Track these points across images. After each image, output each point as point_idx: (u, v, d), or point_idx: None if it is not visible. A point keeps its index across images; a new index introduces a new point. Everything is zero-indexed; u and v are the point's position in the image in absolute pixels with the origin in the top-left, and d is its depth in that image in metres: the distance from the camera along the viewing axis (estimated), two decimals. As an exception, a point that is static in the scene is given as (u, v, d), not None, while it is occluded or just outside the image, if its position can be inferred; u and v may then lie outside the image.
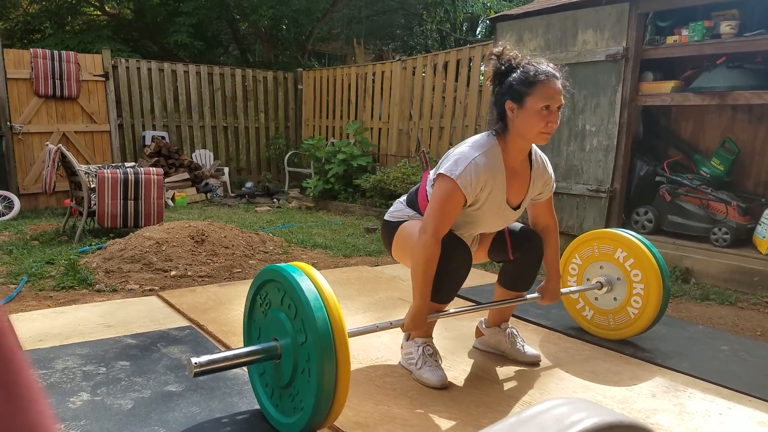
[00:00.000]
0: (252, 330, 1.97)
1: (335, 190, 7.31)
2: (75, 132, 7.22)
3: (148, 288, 3.54)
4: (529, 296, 2.42)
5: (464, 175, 1.98)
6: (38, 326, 2.78)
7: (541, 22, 4.77)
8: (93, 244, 4.65)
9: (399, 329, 2.10)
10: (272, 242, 4.73)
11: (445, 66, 6.95)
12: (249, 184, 8.36)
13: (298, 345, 1.70)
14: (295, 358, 1.71)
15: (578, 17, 4.49)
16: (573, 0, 4.55)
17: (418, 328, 2.10)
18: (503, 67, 2.06)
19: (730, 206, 4.06)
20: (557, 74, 2.01)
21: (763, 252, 3.80)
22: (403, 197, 2.38)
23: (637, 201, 4.56)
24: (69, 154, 4.96)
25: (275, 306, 1.82)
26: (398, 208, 2.33)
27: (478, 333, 2.57)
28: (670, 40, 4.07)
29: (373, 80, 7.96)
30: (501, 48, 2.10)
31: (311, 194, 7.48)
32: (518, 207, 2.19)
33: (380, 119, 7.83)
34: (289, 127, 9.47)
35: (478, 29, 15.09)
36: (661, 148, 4.81)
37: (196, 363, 1.64)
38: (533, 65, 2.02)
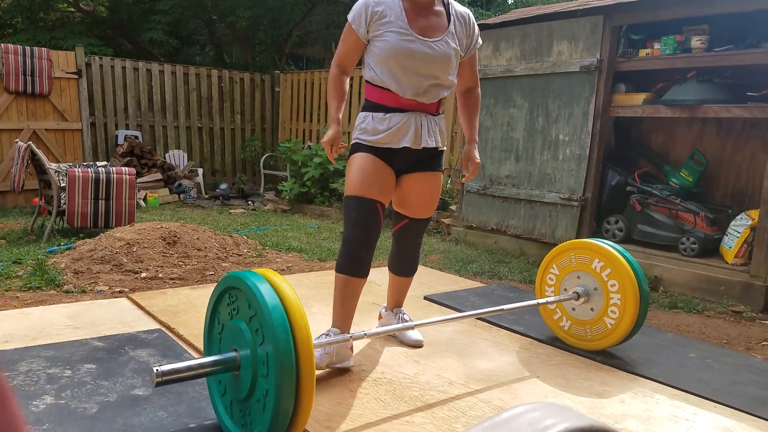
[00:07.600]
0: (213, 338, 1.88)
1: (311, 194, 7.28)
2: (46, 130, 7.06)
3: (118, 290, 3.47)
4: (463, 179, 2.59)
5: (353, 11, 2.28)
6: (3, 327, 2.70)
7: (517, 32, 4.83)
8: (62, 244, 4.54)
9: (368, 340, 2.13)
10: (246, 245, 4.68)
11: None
12: (223, 186, 8.27)
13: (257, 357, 1.63)
14: (254, 370, 1.63)
15: (554, 28, 4.56)
16: (548, 12, 4.62)
17: (333, 137, 2.30)
18: None
19: (698, 217, 4.15)
20: None
21: (729, 262, 3.89)
22: None
23: (608, 210, 4.64)
24: (39, 152, 4.85)
25: (236, 315, 1.74)
26: (358, 121, 2.42)
27: (380, 317, 2.85)
28: (642, 52, 4.16)
29: (351, 85, 7.96)
30: None
31: (287, 197, 7.43)
32: (438, 41, 2.26)
33: (357, 124, 7.83)
34: (265, 130, 9.41)
35: (456, 37, 15.23)
36: (632, 159, 4.91)
37: (158, 371, 1.59)
38: None
